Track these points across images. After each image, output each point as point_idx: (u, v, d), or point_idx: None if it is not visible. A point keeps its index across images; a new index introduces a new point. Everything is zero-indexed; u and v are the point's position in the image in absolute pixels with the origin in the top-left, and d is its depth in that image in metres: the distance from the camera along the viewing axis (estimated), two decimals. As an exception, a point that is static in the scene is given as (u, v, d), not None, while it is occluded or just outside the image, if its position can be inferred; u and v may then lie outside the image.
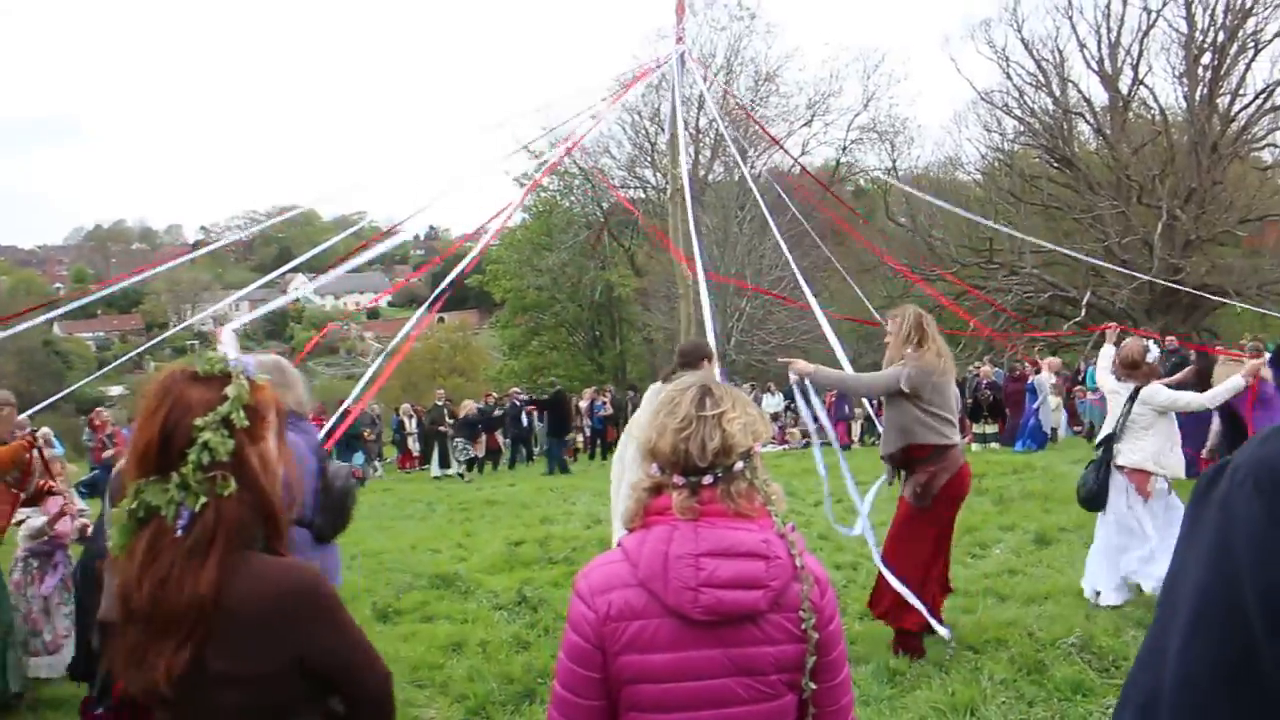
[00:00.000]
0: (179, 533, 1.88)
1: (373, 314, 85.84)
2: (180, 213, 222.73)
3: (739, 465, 2.18)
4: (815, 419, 6.65)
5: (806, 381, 6.52)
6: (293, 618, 1.95)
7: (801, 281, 9.67)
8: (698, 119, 34.16)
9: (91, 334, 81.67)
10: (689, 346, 6.96)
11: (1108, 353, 8.29)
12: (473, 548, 11.05)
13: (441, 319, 62.27)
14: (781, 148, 29.26)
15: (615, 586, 2.14)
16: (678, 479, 2.17)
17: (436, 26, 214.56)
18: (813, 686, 2.14)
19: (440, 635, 7.39)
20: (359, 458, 21.08)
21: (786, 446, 22.35)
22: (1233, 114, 30.88)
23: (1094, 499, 7.39)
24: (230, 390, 1.98)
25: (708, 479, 2.16)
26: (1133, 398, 7.23)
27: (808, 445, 7.51)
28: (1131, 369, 7.45)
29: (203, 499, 1.89)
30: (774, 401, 24.64)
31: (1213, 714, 1.03)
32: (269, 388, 2.09)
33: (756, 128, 34.21)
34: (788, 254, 10.10)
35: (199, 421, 1.92)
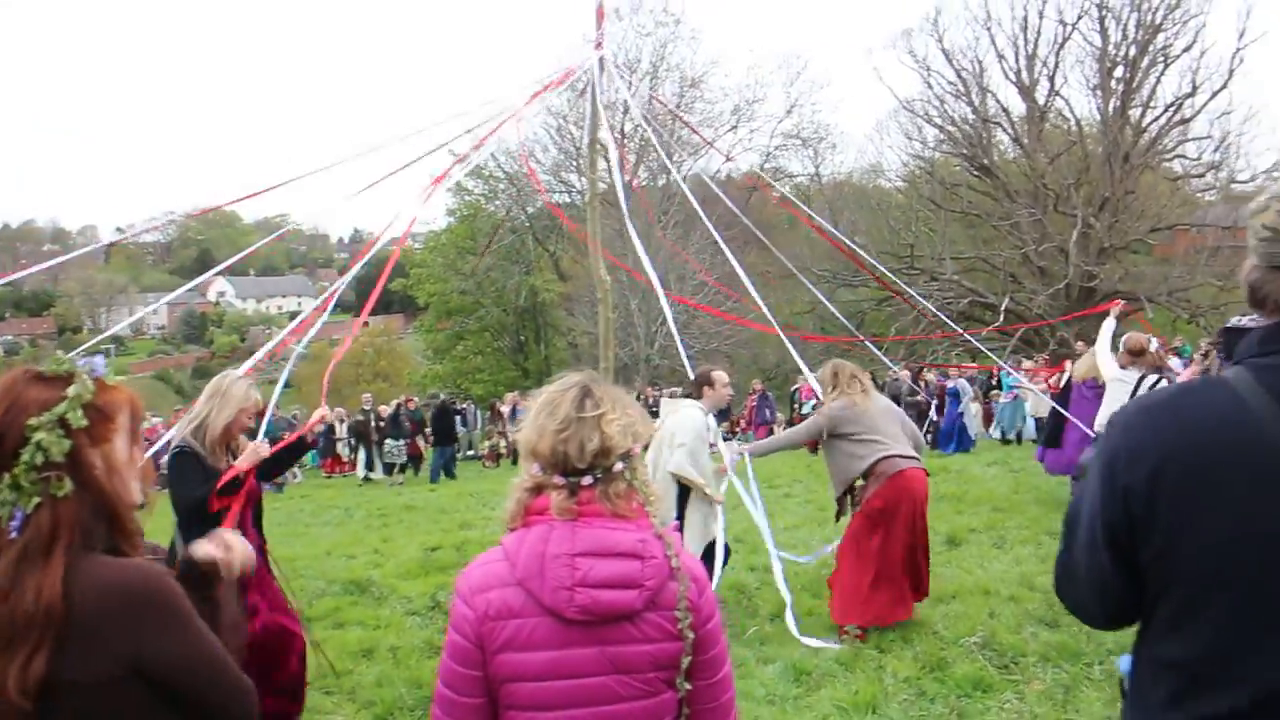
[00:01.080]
0: (13, 534, 1.82)
1: (295, 317, 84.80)
2: (94, 213, 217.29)
3: (618, 466, 2.20)
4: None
5: (746, 457, 7.85)
6: (131, 619, 1.86)
7: (748, 284, 9.73)
8: (623, 124, 34.24)
9: (0, 338, 79.53)
10: (698, 373, 7.69)
11: (1109, 325, 8.70)
12: (388, 553, 10.95)
13: (366, 323, 61.62)
14: (710, 144, 29.40)
15: (493, 586, 2.15)
16: (558, 479, 2.19)
17: (361, 27, 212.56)
18: (688, 686, 2.17)
19: (350, 641, 7.32)
20: (276, 463, 20.76)
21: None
22: (1144, 126, 31.72)
23: None
24: (71, 390, 1.92)
25: (587, 480, 2.18)
26: (1138, 385, 7.57)
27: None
28: (1138, 356, 8.03)
29: (36, 499, 1.84)
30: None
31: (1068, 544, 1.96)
32: (123, 390, 2.05)
33: (680, 133, 34.38)
34: (730, 255, 10.13)
35: (33, 421, 1.86)
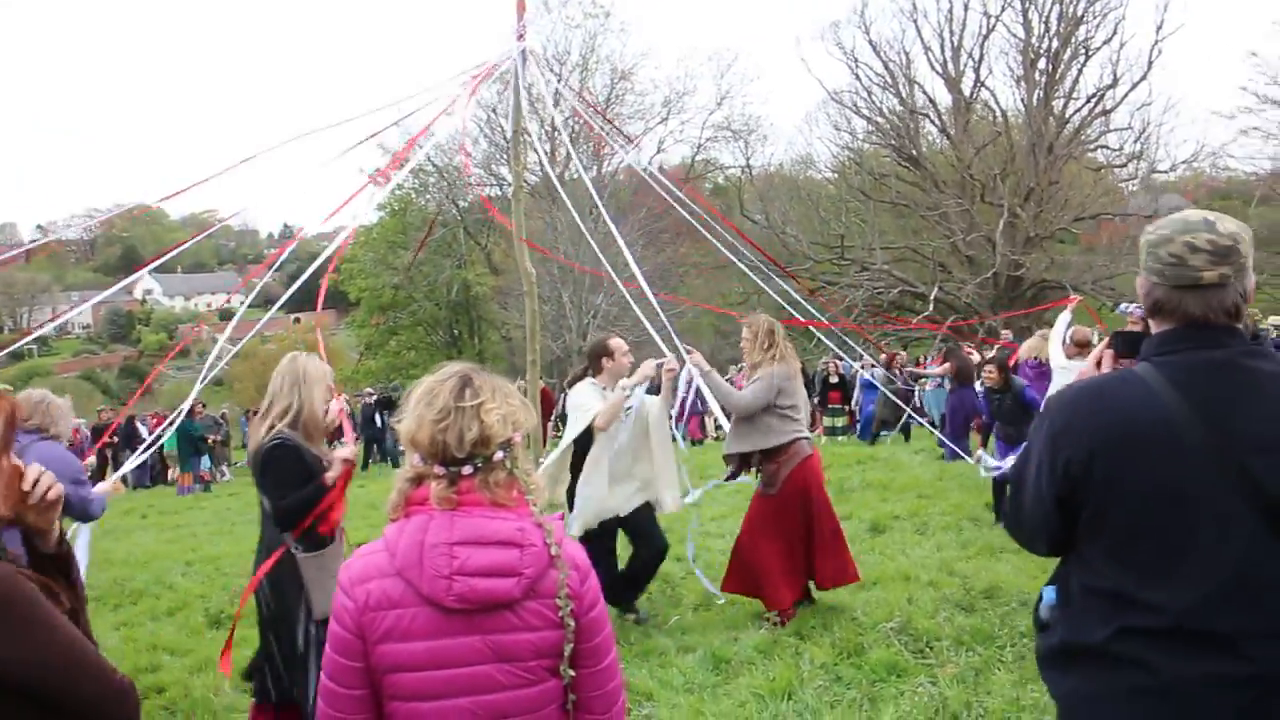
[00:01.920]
0: None
1: (225, 315, 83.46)
2: (13, 210, 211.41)
3: (499, 455, 2.21)
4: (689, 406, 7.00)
5: (697, 374, 6.74)
6: None
7: (641, 280, 9.62)
8: (552, 117, 34.17)
9: (-82, 340, 77.23)
10: (588, 346, 7.24)
11: (1064, 319, 9.20)
12: (316, 552, 10.82)
13: (297, 319, 60.93)
14: (633, 142, 29.32)
15: (373, 576, 2.15)
16: (438, 469, 2.19)
17: (286, 20, 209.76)
18: (572, 673, 2.18)
19: (271, 639, 7.23)
20: (205, 462, 20.54)
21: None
22: (1067, 117, 32.28)
23: None
24: None
25: (467, 469, 2.18)
26: None
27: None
28: (1083, 347, 8.69)
29: None
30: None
31: (1020, 498, 2.48)
32: (1, 399, 1.99)
33: (613, 125, 34.37)
34: (627, 252, 10.08)
35: None
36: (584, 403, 6.70)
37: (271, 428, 4.55)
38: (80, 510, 5.48)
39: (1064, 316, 9.57)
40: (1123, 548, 2.25)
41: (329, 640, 2.19)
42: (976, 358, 16.07)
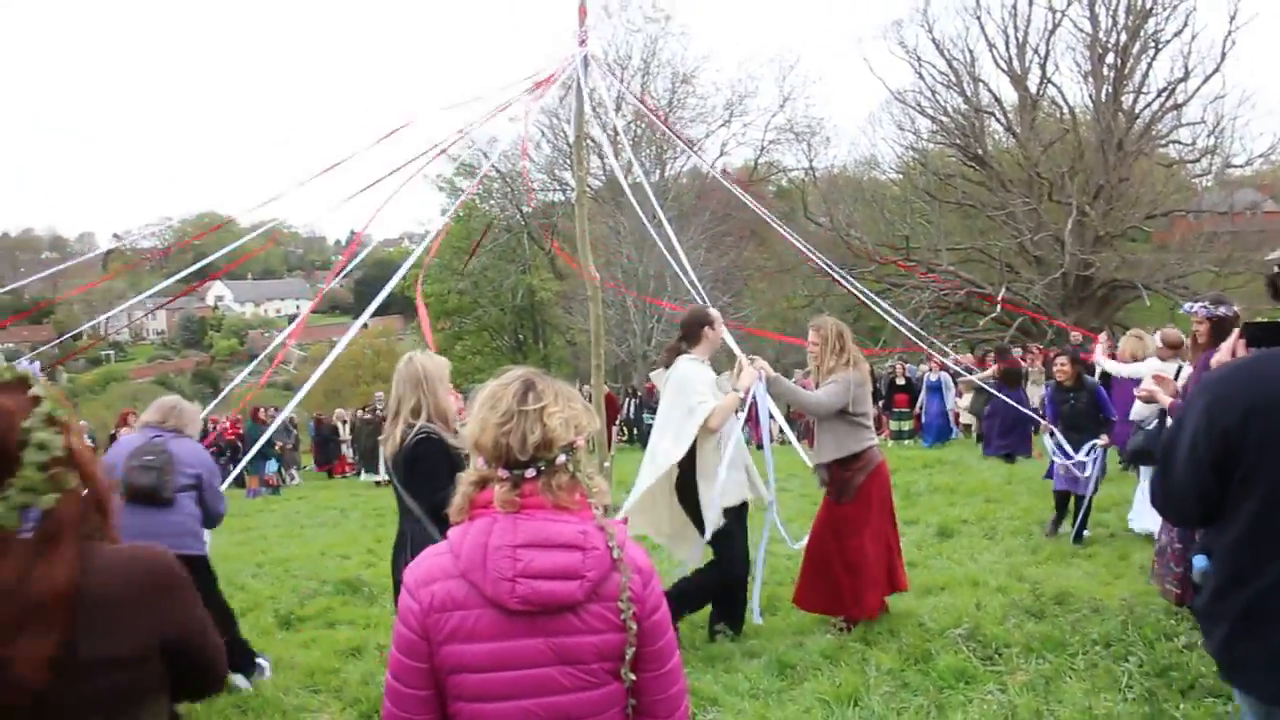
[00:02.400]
0: (28, 534, 1.87)
1: (294, 320, 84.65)
2: (91, 220, 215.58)
3: (561, 459, 2.22)
4: (770, 416, 6.90)
5: (764, 380, 6.56)
6: (159, 596, 2.00)
7: (690, 282, 9.23)
8: (614, 122, 34.27)
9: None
10: (685, 316, 6.82)
11: (1108, 365, 9.68)
12: (383, 554, 10.89)
13: (365, 325, 61.57)
14: (692, 150, 29.29)
15: (438, 578, 2.17)
16: (501, 472, 2.21)
17: (345, 23, 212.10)
18: (633, 677, 2.19)
19: (340, 640, 7.34)
20: (271, 465, 20.83)
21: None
22: (1137, 112, 31.59)
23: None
24: (39, 390, 1.97)
25: (530, 472, 2.19)
26: (1176, 375, 7.96)
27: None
28: (1175, 348, 8.72)
29: (51, 496, 1.89)
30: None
31: (1171, 466, 2.76)
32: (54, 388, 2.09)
33: (676, 128, 34.33)
34: (683, 258, 9.90)
35: (25, 424, 1.90)
36: (695, 386, 6.27)
37: (410, 426, 4.62)
38: (211, 506, 6.12)
39: (1106, 364, 9.79)
40: (1269, 506, 2.53)
41: (394, 641, 2.21)
42: (1024, 364, 15.91)
